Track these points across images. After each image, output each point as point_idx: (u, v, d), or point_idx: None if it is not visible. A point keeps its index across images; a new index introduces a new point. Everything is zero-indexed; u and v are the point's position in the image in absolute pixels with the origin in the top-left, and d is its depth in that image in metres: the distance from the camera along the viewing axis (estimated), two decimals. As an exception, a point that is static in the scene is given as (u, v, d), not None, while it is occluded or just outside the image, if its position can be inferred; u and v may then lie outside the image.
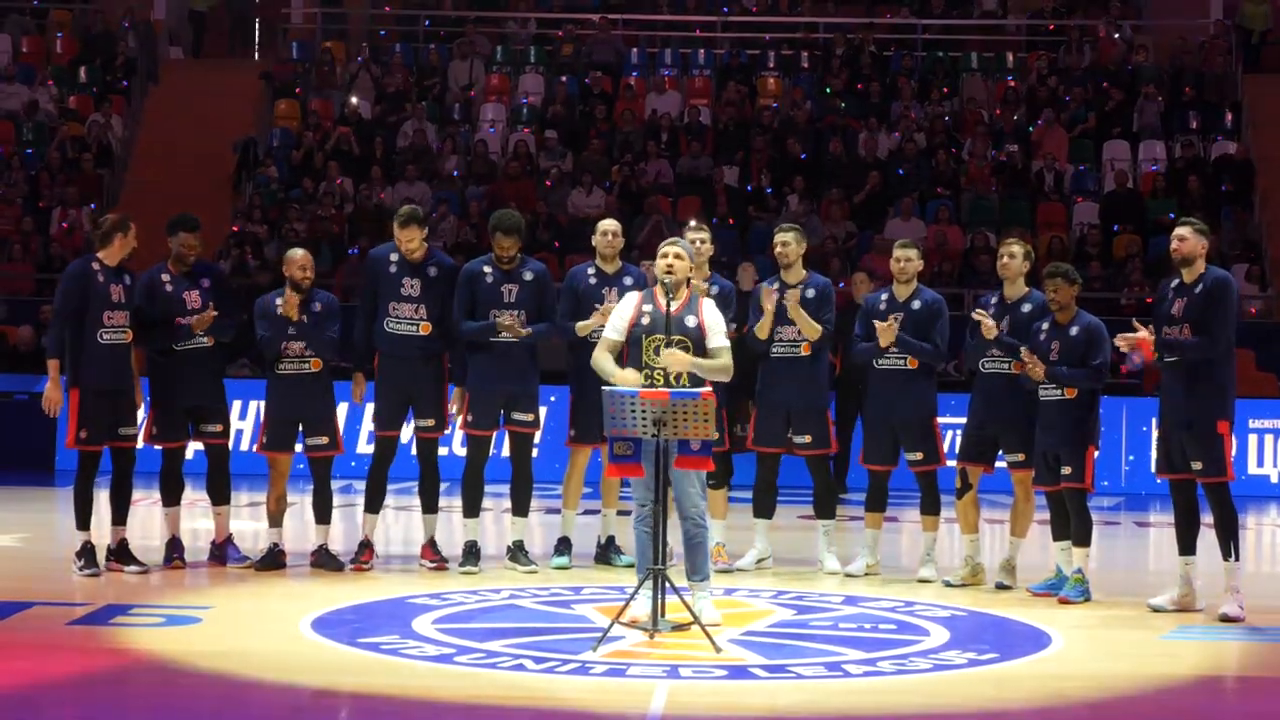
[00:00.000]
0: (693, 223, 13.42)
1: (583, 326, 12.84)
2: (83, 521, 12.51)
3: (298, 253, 12.99)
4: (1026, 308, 12.49)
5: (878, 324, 12.76)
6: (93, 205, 26.05)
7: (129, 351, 12.61)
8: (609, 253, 13.08)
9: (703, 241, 12.84)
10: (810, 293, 13.06)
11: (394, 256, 12.91)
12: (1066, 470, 12.00)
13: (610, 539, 13.37)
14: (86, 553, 12.52)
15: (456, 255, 22.47)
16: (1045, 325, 12.21)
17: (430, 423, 12.93)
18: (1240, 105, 27.70)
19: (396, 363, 12.86)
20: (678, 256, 10.84)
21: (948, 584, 12.67)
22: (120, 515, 12.73)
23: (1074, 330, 12.09)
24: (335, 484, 13.28)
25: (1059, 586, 12.17)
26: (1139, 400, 19.50)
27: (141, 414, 12.85)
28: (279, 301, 12.73)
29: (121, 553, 12.72)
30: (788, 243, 13.14)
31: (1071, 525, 12.09)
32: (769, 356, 13.05)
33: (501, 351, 12.76)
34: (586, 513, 13.69)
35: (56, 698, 8.97)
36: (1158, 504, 18.38)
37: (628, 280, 13.02)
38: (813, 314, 12.95)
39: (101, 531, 12.75)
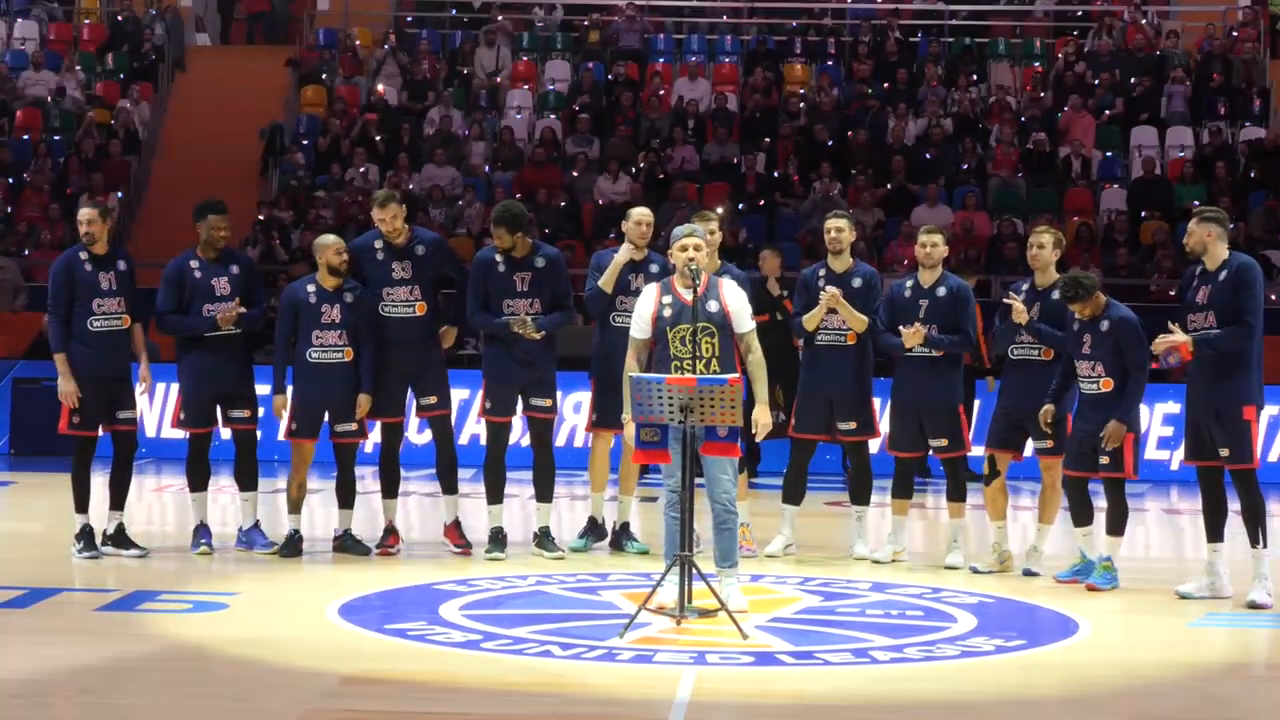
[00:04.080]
0: (711, 212, 13.35)
1: (605, 281, 12.88)
2: (80, 505, 12.68)
3: (332, 239, 13.02)
4: (1057, 294, 12.43)
5: (903, 329, 12.70)
6: (119, 193, 26.10)
7: (125, 338, 12.67)
8: (641, 242, 13.05)
9: (711, 232, 12.80)
10: (857, 282, 13.01)
11: (378, 244, 12.94)
12: (1104, 460, 11.95)
13: (625, 525, 13.38)
14: (85, 535, 12.67)
15: (483, 240, 22.56)
16: (1079, 316, 12.13)
17: (433, 400, 12.97)
18: (1268, 91, 27.60)
19: (396, 347, 12.88)
20: (697, 247, 10.84)
21: (975, 571, 12.65)
22: (118, 500, 12.81)
23: (1104, 325, 12.01)
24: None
25: (1085, 573, 12.15)
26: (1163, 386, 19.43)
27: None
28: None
29: (119, 538, 12.78)
30: (842, 229, 13.09)
31: (1107, 513, 12.04)
32: (812, 344, 13.03)
33: (517, 339, 12.74)
34: (612, 499, 13.68)
35: (84, 684, 9.00)
36: (1178, 490, 18.33)
37: (654, 267, 13.01)
38: (860, 304, 12.91)
39: (100, 516, 12.82)
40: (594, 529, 13.37)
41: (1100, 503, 12.10)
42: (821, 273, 13.12)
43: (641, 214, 13.15)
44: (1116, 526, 12.04)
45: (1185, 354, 11.43)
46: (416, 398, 13.03)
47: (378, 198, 13.08)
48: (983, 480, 12.79)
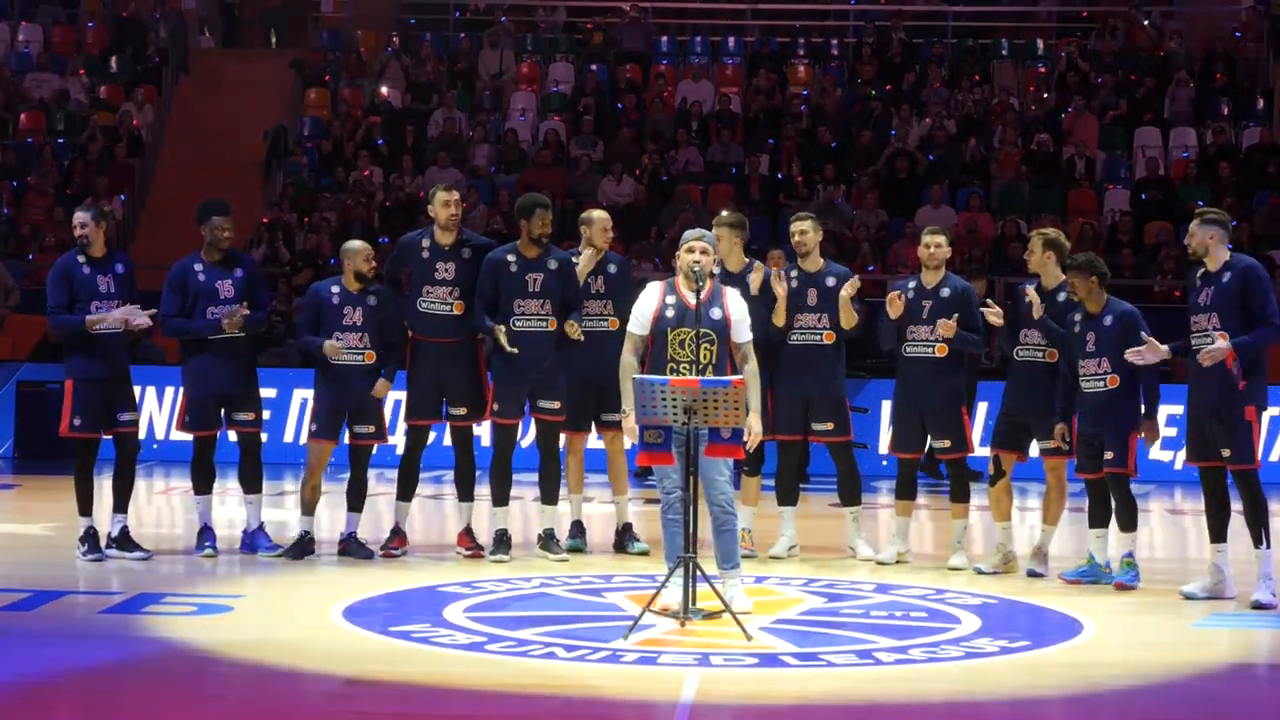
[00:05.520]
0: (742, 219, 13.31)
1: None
2: (84, 508, 12.69)
3: (362, 244, 13.01)
4: (1063, 296, 12.43)
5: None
6: (123, 195, 26.11)
7: (124, 340, 12.69)
8: (606, 246, 13.16)
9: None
10: (830, 281, 13.03)
11: (425, 242, 12.97)
12: (1109, 455, 11.96)
13: (627, 526, 13.39)
14: (89, 538, 12.69)
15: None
16: (1079, 315, 12.15)
17: (463, 411, 12.96)
18: (1272, 91, 27.58)
19: (430, 348, 12.90)
20: (704, 250, 10.85)
21: (979, 571, 12.65)
22: (122, 503, 12.82)
23: (1107, 320, 12.03)
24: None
25: (1091, 574, 12.16)
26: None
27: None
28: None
29: (123, 540, 12.79)
30: (805, 231, 13.13)
31: (1116, 511, 12.04)
32: (787, 344, 13.03)
33: (524, 341, 12.75)
34: (610, 502, 13.67)
35: (89, 686, 9.01)
36: (1181, 491, 18.32)
37: (611, 268, 13.18)
38: (834, 303, 12.93)
39: (104, 518, 12.86)
40: (580, 531, 13.38)
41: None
42: (794, 274, 13.13)
43: (606, 218, 13.31)
44: (1128, 522, 12.04)
45: (1230, 361, 11.37)
46: (449, 406, 13.03)
47: (442, 184, 13.25)
48: (987, 481, 12.80)
